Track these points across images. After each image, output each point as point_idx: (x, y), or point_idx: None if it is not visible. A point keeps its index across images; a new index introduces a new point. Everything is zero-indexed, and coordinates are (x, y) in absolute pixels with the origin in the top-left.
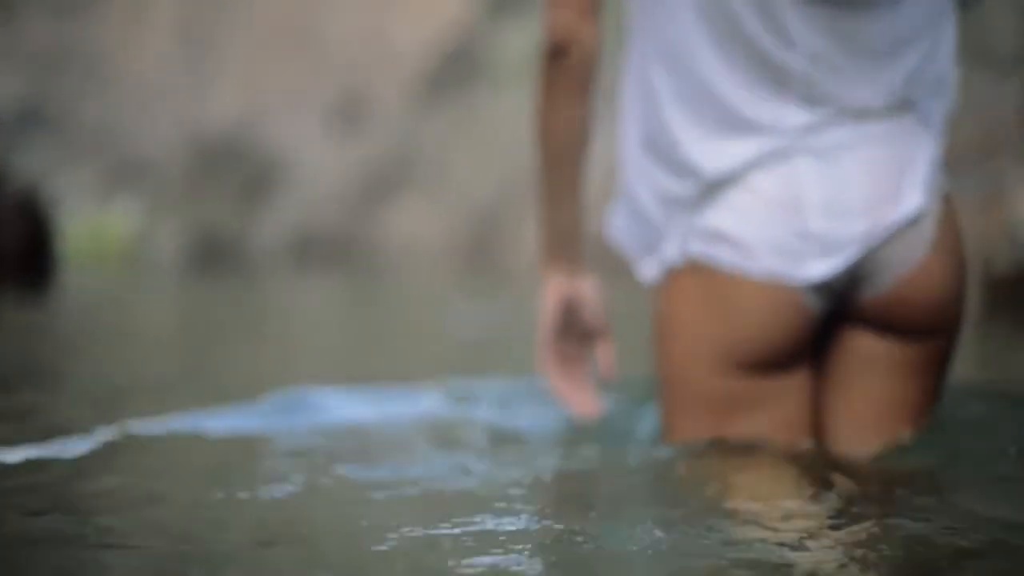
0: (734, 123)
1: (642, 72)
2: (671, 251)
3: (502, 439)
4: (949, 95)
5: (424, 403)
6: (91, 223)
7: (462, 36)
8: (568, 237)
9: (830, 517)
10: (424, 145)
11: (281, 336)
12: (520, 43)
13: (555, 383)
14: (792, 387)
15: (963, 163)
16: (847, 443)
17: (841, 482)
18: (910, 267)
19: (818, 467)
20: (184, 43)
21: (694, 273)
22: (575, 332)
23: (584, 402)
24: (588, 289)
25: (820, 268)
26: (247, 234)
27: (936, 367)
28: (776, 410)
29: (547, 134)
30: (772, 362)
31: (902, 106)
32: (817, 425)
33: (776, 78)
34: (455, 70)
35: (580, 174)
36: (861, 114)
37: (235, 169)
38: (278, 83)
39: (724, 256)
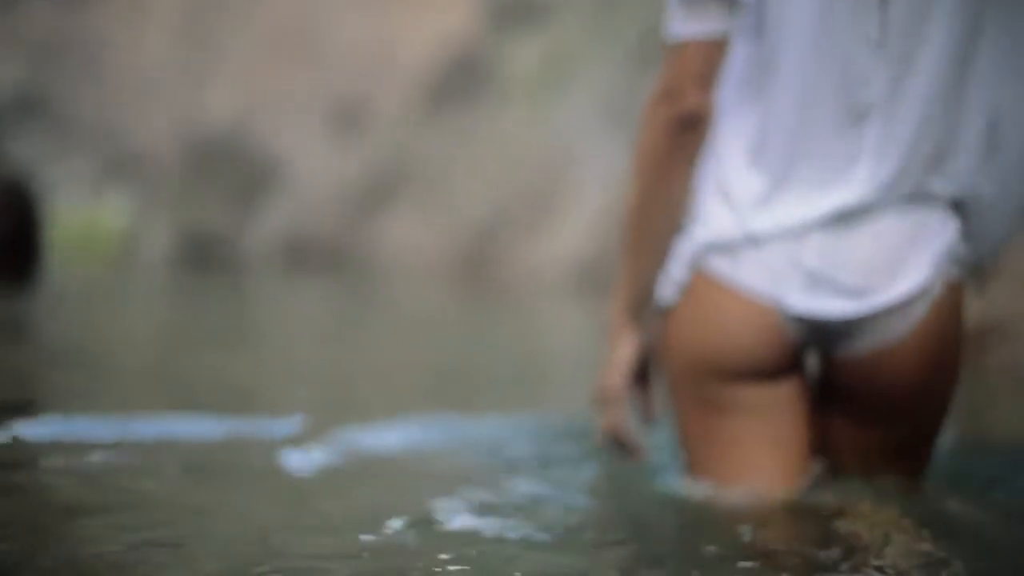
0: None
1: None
2: (681, 267)
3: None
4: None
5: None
6: (82, 216)
7: (467, 47)
8: (648, 296)
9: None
10: (423, 156)
11: (261, 346)
12: (526, 57)
13: (621, 431)
14: (778, 400)
15: None
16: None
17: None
18: (886, 343)
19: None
20: (184, 40)
21: (696, 282)
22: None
23: (636, 446)
24: (644, 339)
25: (803, 301)
26: (239, 235)
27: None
28: (764, 421)
29: (658, 200)
30: (747, 373)
31: (926, 196)
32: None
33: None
34: (458, 81)
35: (672, 237)
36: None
37: (230, 169)
38: (277, 85)
39: (717, 265)
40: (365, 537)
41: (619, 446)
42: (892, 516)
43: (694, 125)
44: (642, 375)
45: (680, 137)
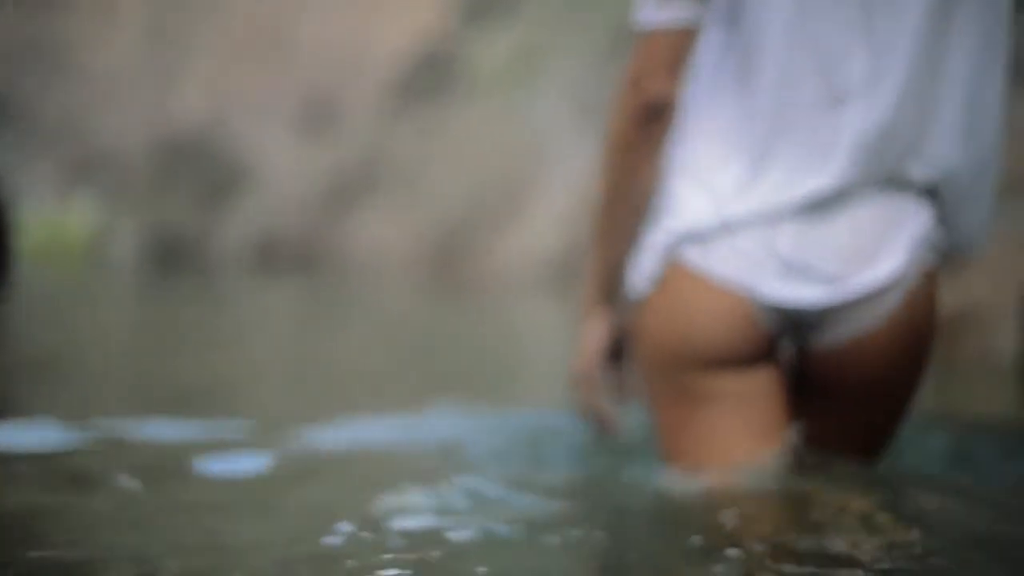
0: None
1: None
2: (654, 254)
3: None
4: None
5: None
6: (50, 219)
7: (436, 43)
8: (618, 280)
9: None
10: (394, 153)
11: (228, 348)
12: (496, 53)
13: (597, 408)
14: (753, 389)
15: (1000, 194)
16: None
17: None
18: (861, 331)
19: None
20: (153, 40)
21: (669, 273)
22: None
23: (612, 422)
24: (616, 321)
25: (777, 289)
26: (209, 236)
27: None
28: (739, 410)
29: (626, 190)
30: (721, 362)
31: (902, 181)
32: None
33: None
34: (428, 78)
35: (641, 222)
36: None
37: (199, 170)
38: (246, 84)
39: (690, 256)
40: (324, 539)
41: (596, 423)
42: (867, 504)
43: (660, 114)
44: (615, 355)
45: (647, 126)
